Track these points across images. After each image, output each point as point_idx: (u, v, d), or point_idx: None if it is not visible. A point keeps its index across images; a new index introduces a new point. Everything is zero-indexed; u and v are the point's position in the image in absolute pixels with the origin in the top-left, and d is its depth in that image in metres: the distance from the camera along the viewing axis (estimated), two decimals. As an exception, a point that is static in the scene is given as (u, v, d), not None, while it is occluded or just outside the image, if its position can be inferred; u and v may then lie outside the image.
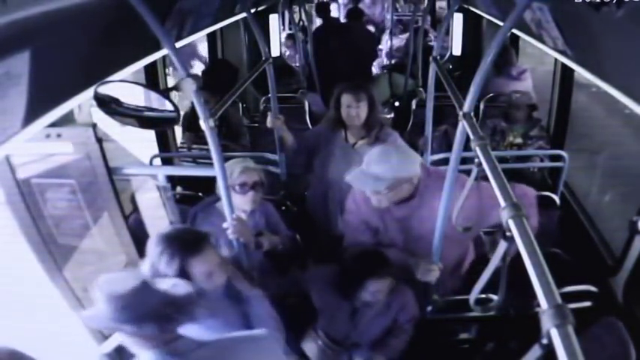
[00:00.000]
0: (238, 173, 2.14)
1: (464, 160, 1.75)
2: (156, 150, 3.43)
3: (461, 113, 1.52)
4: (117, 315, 1.00)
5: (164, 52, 1.74)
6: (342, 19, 7.42)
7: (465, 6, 3.88)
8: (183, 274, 1.50)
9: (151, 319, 1.00)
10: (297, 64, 4.99)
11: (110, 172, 1.90)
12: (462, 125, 1.51)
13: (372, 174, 1.89)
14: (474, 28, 4.74)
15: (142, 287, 1.02)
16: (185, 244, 1.54)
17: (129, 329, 1.02)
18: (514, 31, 1.61)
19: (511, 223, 1.02)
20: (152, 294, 1.04)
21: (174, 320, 1.04)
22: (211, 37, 4.71)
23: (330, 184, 2.74)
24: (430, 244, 1.95)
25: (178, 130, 3.74)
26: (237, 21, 3.26)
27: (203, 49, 5.78)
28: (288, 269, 2.34)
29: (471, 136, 1.40)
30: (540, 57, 4.42)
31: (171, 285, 1.12)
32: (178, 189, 2.98)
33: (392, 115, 4.98)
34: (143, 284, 1.03)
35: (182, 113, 3.22)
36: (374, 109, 2.62)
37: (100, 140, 1.85)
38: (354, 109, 2.57)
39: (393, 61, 6.03)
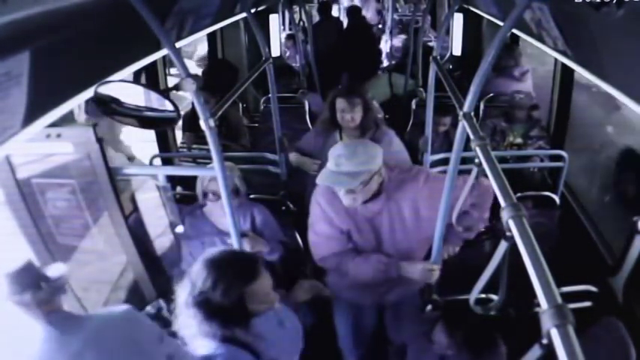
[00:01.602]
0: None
1: (464, 160, 1.74)
2: (156, 150, 3.43)
3: (461, 113, 1.52)
4: (8, 288, 1.31)
5: (164, 52, 1.74)
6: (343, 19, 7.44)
7: (465, 6, 3.88)
8: (240, 301, 1.43)
9: (27, 289, 1.31)
10: (297, 64, 4.99)
11: (110, 172, 1.90)
12: (462, 125, 1.51)
13: (344, 172, 1.84)
14: (474, 28, 4.74)
15: (24, 269, 1.33)
16: (241, 272, 1.46)
17: (15, 299, 1.30)
18: (514, 31, 1.60)
19: (511, 223, 1.01)
20: (31, 273, 1.34)
21: (45, 291, 1.33)
22: (211, 37, 4.71)
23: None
24: (400, 241, 1.99)
25: (178, 130, 3.74)
26: (237, 21, 3.26)
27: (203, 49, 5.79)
28: (285, 280, 2.31)
29: (471, 136, 1.39)
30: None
31: (50, 270, 1.41)
32: (178, 189, 2.98)
33: (392, 115, 4.97)
34: (26, 267, 1.34)
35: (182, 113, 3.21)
36: (369, 112, 2.63)
37: (100, 140, 1.85)
38: (348, 113, 2.58)
39: (393, 61, 6.02)
